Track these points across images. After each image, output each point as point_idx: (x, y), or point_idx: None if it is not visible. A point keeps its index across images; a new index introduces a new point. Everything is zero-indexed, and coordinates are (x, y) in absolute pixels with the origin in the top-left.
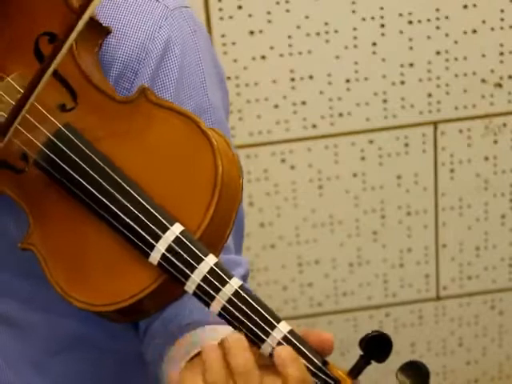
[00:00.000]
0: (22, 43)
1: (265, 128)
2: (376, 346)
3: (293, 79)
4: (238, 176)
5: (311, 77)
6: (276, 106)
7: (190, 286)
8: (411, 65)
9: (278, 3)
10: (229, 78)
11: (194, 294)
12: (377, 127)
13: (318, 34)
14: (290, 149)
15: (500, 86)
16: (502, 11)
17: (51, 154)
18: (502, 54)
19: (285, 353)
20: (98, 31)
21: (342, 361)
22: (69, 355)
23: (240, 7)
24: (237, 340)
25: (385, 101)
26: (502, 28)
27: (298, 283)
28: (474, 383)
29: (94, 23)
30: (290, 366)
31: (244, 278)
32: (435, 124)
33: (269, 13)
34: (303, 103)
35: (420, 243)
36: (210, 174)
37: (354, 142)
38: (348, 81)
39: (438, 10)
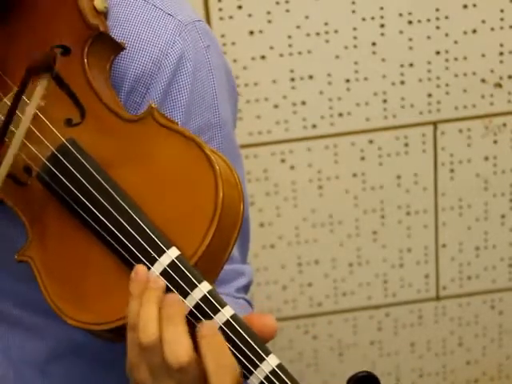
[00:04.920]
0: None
1: (264, 128)
2: None
3: (293, 79)
4: (239, 201)
5: (311, 77)
6: (276, 106)
7: None
8: (411, 65)
9: (277, 3)
10: None
11: (186, 319)
12: (377, 127)
13: (317, 34)
14: (290, 149)
15: (500, 86)
16: (502, 11)
17: (53, 168)
18: (501, 54)
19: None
20: (112, 47)
21: (340, 361)
22: (71, 360)
23: (240, 7)
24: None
25: (385, 101)
26: (501, 28)
27: (298, 283)
28: (474, 383)
29: (107, 39)
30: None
31: (246, 287)
32: (435, 124)
33: (269, 13)
34: (303, 103)
35: (420, 243)
36: (210, 199)
37: (354, 142)
38: (348, 81)
39: (437, 9)
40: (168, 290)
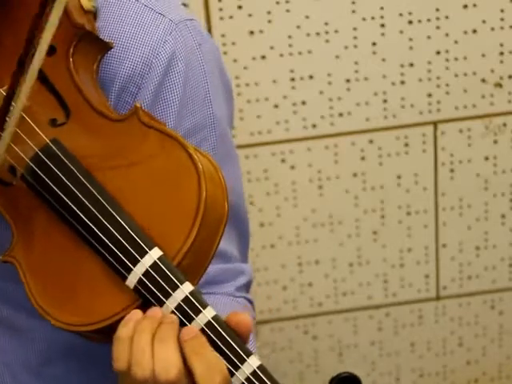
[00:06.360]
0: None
1: (265, 128)
2: None
3: (293, 79)
4: (224, 201)
5: (311, 77)
6: (276, 106)
7: (164, 313)
8: (411, 65)
9: (278, 3)
10: None
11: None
12: (377, 127)
13: (317, 34)
14: (290, 149)
15: (500, 85)
16: (502, 11)
17: (36, 169)
18: (501, 53)
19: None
20: (98, 47)
21: (340, 361)
22: (68, 362)
23: (240, 7)
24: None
25: (385, 101)
26: (502, 28)
27: (298, 283)
28: (474, 383)
29: (93, 38)
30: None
31: (247, 285)
32: (435, 124)
33: (269, 13)
34: (303, 103)
35: (420, 243)
36: (193, 199)
37: (354, 142)
38: (348, 81)
39: (437, 9)
40: (150, 291)
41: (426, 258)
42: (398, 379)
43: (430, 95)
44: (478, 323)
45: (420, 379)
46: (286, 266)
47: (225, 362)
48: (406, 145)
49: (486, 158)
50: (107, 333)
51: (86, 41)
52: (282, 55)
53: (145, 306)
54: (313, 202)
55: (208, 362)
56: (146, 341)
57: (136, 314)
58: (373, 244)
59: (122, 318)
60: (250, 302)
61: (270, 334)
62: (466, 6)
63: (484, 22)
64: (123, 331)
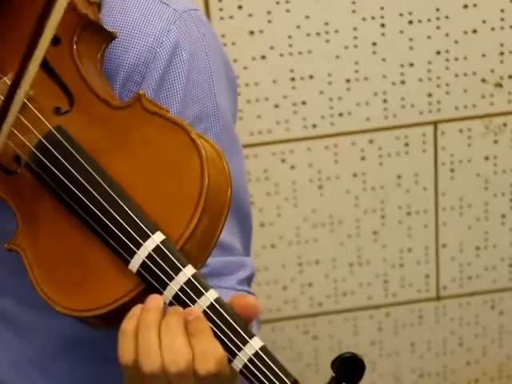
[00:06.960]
0: (25, 44)
1: (265, 128)
2: (348, 368)
3: (293, 79)
4: (227, 187)
5: (311, 77)
6: (276, 106)
7: (167, 296)
8: (411, 65)
9: (278, 3)
10: None
11: (170, 304)
12: (377, 127)
13: (318, 33)
14: (290, 149)
15: (500, 85)
16: (502, 11)
17: (41, 156)
18: (502, 53)
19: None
20: (102, 36)
21: None
22: (72, 357)
23: (240, 7)
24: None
25: (385, 101)
26: (502, 28)
27: (298, 283)
28: (474, 383)
29: (97, 27)
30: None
31: (249, 279)
32: (435, 124)
33: (269, 13)
34: (303, 103)
35: (420, 243)
36: (196, 183)
37: (354, 142)
38: (348, 81)
39: (438, 9)
40: (153, 274)
41: (426, 258)
42: (398, 379)
43: (430, 95)
44: (478, 323)
45: (420, 379)
46: (286, 265)
47: (227, 342)
48: (406, 145)
49: (486, 158)
50: (112, 319)
51: (89, 30)
52: (282, 55)
53: (148, 291)
54: (313, 201)
55: (204, 346)
56: (155, 333)
57: (139, 308)
58: (373, 244)
59: (126, 303)
60: (252, 295)
61: (270, 334)
62: (466, 6)
63: (484, 21)
64: (128, 324)
